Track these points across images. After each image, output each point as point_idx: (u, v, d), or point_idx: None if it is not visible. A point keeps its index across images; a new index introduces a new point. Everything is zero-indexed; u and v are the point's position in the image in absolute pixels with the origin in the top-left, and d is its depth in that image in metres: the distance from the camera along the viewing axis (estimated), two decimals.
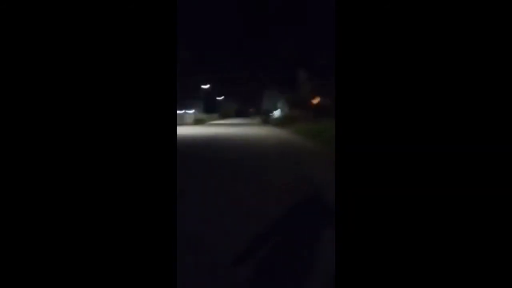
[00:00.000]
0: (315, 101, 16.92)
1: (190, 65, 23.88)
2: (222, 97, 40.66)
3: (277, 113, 26.05)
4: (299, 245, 1.95)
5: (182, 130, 13.90)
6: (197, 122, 24.11)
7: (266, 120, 23.91)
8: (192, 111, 25.46)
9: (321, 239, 2.04)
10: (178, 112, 20.32)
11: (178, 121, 13.49)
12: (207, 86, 31.54)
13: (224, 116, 40.72)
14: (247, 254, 1.86)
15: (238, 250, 1.89)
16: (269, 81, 26.17)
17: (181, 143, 8.37)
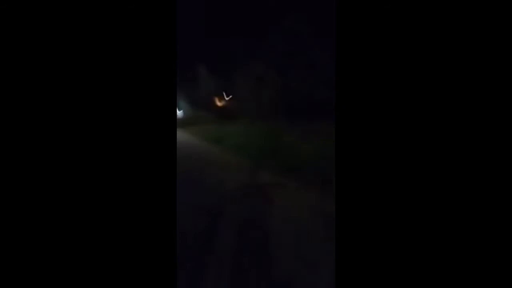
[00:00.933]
0: (219, 103, 16.16)
1: None
2: None
3: (179, 113, 24.11)
4: None
5: None
6: None
7: None
8: None
9: None
10: None
11: None
12: None
13: None
14: None
15: None
16: None
17: None
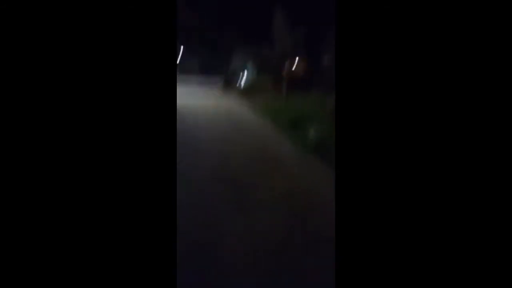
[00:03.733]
0: (289, 69, 12.23)
1: None
2: (181, 48, 33.53)
3: (245, 77, 21.24)
4: None
5: None
6: None
7: (228, 85, 18.73)
8: None
9: None
10: None
11: None
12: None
13: (185, 72, 34.45)
14: None
15: None
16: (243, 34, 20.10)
17: None
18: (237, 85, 18.70)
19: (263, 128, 6.42)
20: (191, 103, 8.39)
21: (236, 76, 21.25)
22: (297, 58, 11.69)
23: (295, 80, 10.64)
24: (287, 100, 8.92)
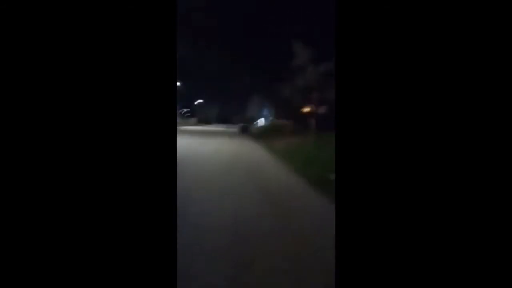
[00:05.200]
0: (306, 109, 11.92)
1: None
2: (201, 100, 35.24)
3: (261, 121, 21.36)
4: None
5: None
6: None
7: (246, 129, 18.84)
8: None
9: None
10: None
11: None
12: (178, 84, 26.41)
13: (203, 121, 35.60)
14: None
15: None
16: (257, 84, 20.64)
17: None
18: (252, 129, 18.63)
19: (275, 170, 5.05)
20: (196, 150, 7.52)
21: (249, 122, 21.39)
22: (309, 106, 11.32)
23: (323, 118, 10.20)
24: (318, 142, 7.74)
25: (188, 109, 35.45)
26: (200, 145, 9.13)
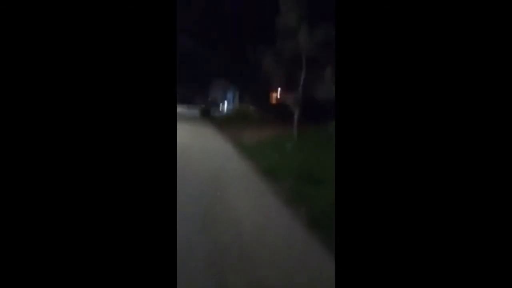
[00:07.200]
0: (275, 96, 10.88)
1: None
2: None
3: (225, 106, 20.02)
4: None
5: None
6: None
7: (207, 113, 17.31)
8: None
9: None
10: None
11: None
12: None
13: None
14: None
15: None
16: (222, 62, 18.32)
17: None
18: (215, 114, 17.27)
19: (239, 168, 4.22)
20: None
21: (211, 106, 19.87)
22: (277, 92, 10.24)
23: (282, 109, 9.16)
24: (300, 137, 6.77)
25: None
26: None
